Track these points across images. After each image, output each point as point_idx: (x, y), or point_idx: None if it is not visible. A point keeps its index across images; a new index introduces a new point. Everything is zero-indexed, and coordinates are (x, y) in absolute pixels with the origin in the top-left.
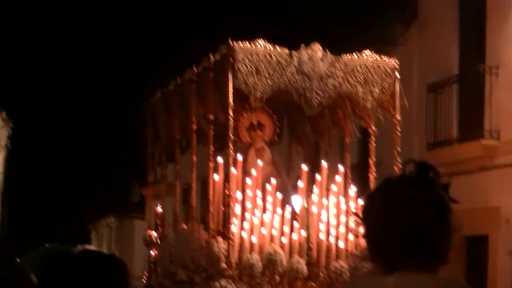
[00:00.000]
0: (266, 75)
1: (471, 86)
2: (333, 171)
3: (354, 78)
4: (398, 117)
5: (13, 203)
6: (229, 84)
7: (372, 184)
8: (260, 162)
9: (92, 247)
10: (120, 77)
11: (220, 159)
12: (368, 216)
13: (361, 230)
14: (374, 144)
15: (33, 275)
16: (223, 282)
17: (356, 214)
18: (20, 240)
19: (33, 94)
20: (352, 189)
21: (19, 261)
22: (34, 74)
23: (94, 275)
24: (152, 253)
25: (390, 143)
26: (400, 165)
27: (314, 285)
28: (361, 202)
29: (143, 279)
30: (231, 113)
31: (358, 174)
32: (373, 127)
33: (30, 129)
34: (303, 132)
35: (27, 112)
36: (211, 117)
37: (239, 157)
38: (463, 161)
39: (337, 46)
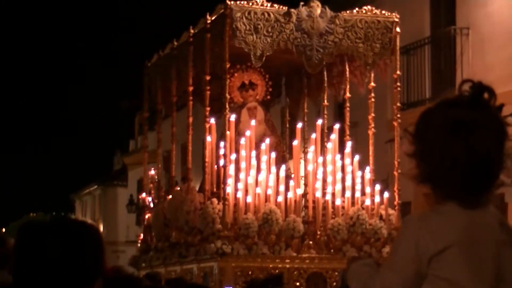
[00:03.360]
0: (265, 33)
1: (442, 48)
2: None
3: (354, 34)
4: (399, 72)
5: None
6: (227, 43)
7: (371, 141)
8: (253, 122)
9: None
10: (113, 42)
11: (212, 120)
12: (423, 137)
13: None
14: (373, 101)
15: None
16: (219, 243)
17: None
18: (5, 211)
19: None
20: (348, 146)
21: (4, 230)
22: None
23: (64, 241)
24: (146, 216)
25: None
26: (399, 120)
27: (311, 243)
28: (357, 158)
29: (137, 243)
30: (228, 73)
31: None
32: (372, 84)
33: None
34: (300, 91)
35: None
36: (207, 78)
37: (232, 117)
38: None
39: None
